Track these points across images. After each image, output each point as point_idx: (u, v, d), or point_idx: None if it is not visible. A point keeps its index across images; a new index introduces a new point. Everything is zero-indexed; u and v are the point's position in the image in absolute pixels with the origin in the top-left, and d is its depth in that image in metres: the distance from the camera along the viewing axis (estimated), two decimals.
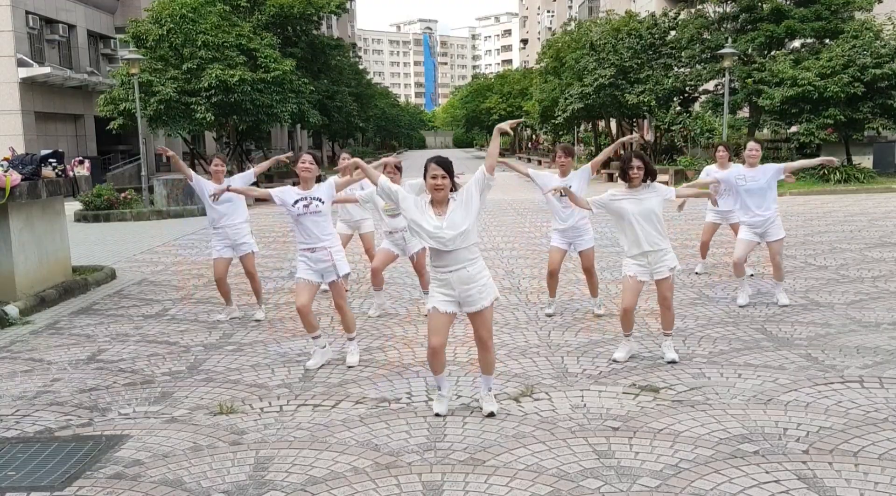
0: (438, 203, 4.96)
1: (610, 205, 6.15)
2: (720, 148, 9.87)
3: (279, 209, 6.26)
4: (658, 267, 6.09)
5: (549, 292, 8.13)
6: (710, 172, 9.75)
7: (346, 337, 6.57)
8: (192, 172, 8.21)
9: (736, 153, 18.37)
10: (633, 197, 6.07)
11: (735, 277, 8.38)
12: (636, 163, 6.00)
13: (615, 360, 6.22)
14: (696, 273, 10.02)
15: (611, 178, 28.66)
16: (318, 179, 6.39)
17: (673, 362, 6.13)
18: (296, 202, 6.19)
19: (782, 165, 8.10)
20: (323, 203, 6.23)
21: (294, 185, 6.49)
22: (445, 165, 4.91)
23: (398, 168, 7.85)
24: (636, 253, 6.09)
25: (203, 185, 7.98)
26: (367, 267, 9.89)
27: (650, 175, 6.07)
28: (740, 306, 8.08)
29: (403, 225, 7.85)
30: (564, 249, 7.85)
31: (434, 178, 4.90)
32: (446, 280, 4.94)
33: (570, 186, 7.59)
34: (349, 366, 6.33)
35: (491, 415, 5.08)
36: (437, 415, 5.10)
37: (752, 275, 9.68)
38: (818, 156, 25.48)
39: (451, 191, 4.97)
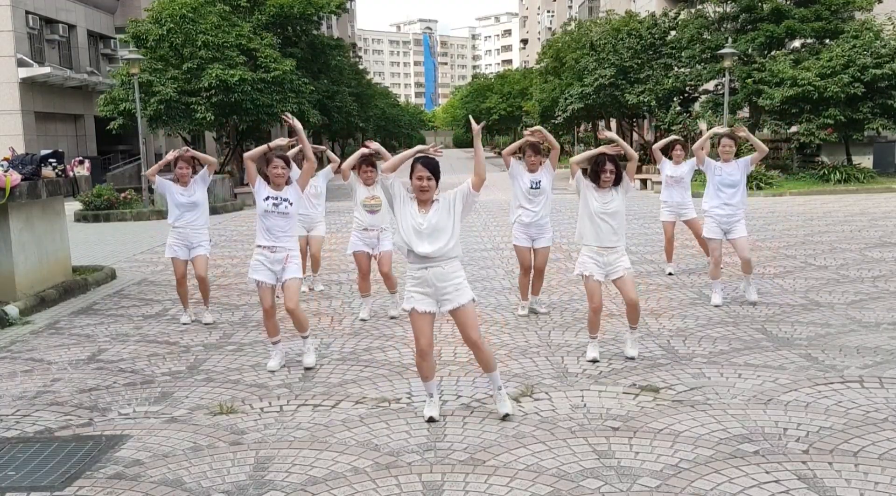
0: (422, 203, 4.95)
1: (583, 189, 6.21)
2: (677, 146, 9.94)
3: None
4: (613, 268, 6.14)
5: (521, 294, 8.13)
6: (665, 166, 9.87)
7: (300, 336, 6.47)
8: (157, 177, 8.05)
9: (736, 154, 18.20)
10: (601, 197, 6.13)
11: (711, 279, 8.37)
12: (609, 167, 6.06)
13: (593, 360, 6.23)
14: (669, 274, 10.02)
15: None
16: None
17: (631, 358, 6.20)
18: (266, 198, 6.20)
19: (749, 157, 8.13)
20: (291, 205, 6.22)
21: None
22: (432, 167, 4.89)
23: (373, 165, 7.79)
24: (594, 245, 6.15)
25: (167, 186, 7.93)
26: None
27: (618, 180, 6.14)
28: (715, 306, 8.11)
29: (381, 224, 7.85)
30: (530, 246, 7.89)
31: (420, 179, 4.88)
32: (422, 277, 4.92)
33: (541, 182, 7.68)
34: (307, 368, 6.28)
35: (506, 417, 5.03)
36: (430, 420, 5.04)
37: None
38: (818, 155, 25.53)
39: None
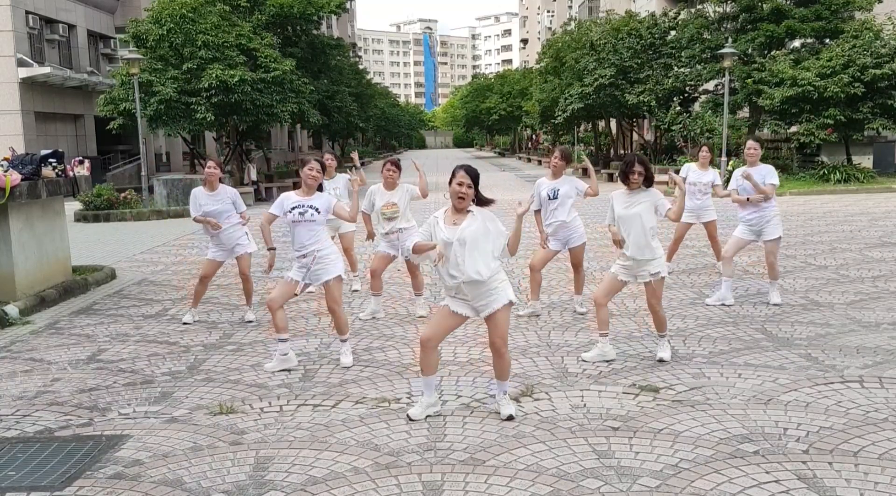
0: (456, 211, 4.91)
1: (612, 210, 6.22)
2: (704, 148, 10.03)
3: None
4: (640, 271, 6.13)
5: (531, 292, 8.09)
6: (691, 169, 9.88)
7: (338, 339, 6.53)
8: (193, 200, 8.02)
9: (736, 153, 18.27)
10: (628, 200, 6.11)
11: (723, 275, 8.37)
12: (638, 168, 6.03)
13: (583, 360, 6.24)
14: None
15: (611, 178, 28.65)
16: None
17: (661, 361, 6.16)
18: (292, 209, 6.22)
19: (771, 181, 8.02)
20: (319, 213, 6.24)
21: (294, 186, 6.51)
22: (473, 175, 4.85)
23: (397, 166, 7.88)
24: (622, 253, 6.15)
25: (196, 198, 7.94)
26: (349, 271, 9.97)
27: (649, 181, 6.10)
28: (706, 305, 8.14)
29: (399, 226, 7.85)
30: (559, 250, 7.87)
31: (460, 184, 4.83)
32: (456, 286, 4.90)
33: (559, 190, 7.66)
34: (345, 367, 6.33)
35: (510, 418, 5.02)
36: (409, 418, 5.04)
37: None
38: (818, 156, 25.53)
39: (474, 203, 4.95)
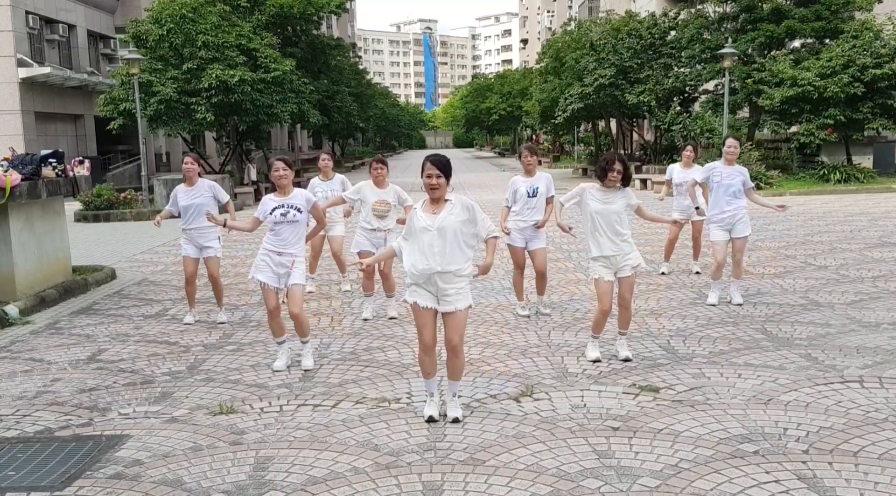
0: (433, 202, 4.94)
1: (580, 195, 6.21)
2: (688, 147, 10.08)
3: None
4: (621, 265, 6.14)
5: (517, 294, 8.13)
6: (675, 170, 9.94)
7: (300, 340, 6.45)
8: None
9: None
10: (603, 197, 6.12)
11: (712, 279, 8.38)
12: (617, 166, 6.04)
13: (596, 360, 6.24)
14: (662, 273, 10.06)
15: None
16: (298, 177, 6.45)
17: (627, 360, 6.18)
18: (273, 209, 6.20)
19: (750, 185, 8.21)
20: (301, 213, 6.24)
21: (297, 185, 6.51)
22: (442, 165, 4.88)
23: (384, 163, 7.89)
24: (598, 255, 6.17)
25: (176, 194, 8.00)
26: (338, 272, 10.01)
27: (626, 180, 6.12)
28: (710, 305, 8.15)
29: (388, 225, 7.86)
30: (523, 246, 7.88)
31: (429, 177, 4.88)
32: (428, 276, 4.89)
33: (538, 188, 7.68)
34: (305, 370, 6.27)
35: (456, 420, 5.00)
36: (429, 420, 5.03)
37: (697, 272, 9.96)
38: (818, 156, 25.53)
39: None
